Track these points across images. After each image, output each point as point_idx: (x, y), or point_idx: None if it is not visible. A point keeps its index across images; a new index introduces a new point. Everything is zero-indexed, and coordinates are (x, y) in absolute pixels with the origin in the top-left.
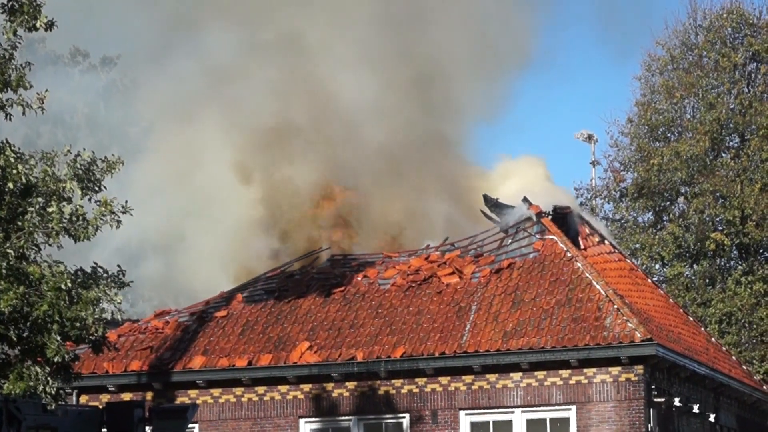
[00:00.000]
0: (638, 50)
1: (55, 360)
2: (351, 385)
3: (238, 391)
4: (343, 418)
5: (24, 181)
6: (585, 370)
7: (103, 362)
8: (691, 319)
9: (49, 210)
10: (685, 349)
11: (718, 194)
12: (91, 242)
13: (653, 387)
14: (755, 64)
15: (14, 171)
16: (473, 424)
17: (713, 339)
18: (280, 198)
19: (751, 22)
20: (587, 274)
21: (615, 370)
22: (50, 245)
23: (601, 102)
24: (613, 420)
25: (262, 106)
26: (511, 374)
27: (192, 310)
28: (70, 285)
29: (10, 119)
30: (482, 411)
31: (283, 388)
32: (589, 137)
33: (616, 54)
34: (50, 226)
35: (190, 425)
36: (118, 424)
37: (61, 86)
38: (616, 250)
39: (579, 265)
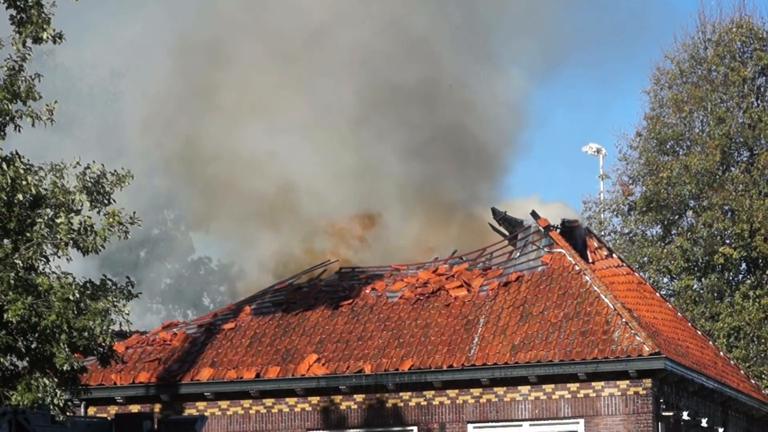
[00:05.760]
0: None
1: (64, 368)
2: (359, 397)
3: (246, 403)
4: (351, 430)
5: (34, 192)
6: (593, 384)
7: (110, 374)
8: (699, 333)
9: (58, 221)
10: (694, 363)
11: (726, 208)
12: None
13: (661, 401)
14: (764, 78)
15: (24, 182)
16: None
17: (721, 353)
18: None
19: (760, 36)
20: (595, 288)
21: (623, 383)
22: (59, 257)
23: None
24: None
25: None
26: (519, 387)
27: (200, 322)
28: (78, 296)
29: (20, 131)
30: (490, 424)
31: (291, 401)
32: (598, 151)
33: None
34: (59, 237)
35: None
36: None
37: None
38: (624, 264)
39: (587, 278)
